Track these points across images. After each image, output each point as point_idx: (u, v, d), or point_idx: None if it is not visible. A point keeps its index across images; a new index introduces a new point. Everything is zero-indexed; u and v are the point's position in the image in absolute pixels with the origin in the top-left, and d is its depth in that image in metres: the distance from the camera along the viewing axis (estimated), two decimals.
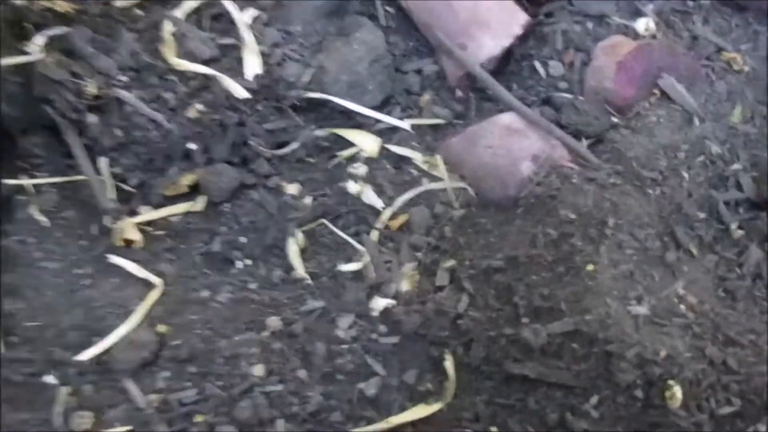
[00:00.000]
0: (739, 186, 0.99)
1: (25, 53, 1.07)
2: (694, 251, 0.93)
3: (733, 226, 0.96)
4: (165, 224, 1.12)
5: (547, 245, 0.91)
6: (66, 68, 1.07)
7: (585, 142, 1.03)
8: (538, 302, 0.87)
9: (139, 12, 1.15)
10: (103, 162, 1.12)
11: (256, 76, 1.12)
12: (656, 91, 1.05)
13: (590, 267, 0.86)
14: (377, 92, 1.15)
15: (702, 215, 0.96)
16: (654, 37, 1.13)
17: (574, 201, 0.93)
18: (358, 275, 1.04)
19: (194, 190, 1.12)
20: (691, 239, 0.93)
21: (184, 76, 1.11)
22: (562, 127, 1.05)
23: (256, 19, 1.16)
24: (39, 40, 1.08)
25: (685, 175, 0.97)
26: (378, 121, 1.15)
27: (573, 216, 0.91)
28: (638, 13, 1.16)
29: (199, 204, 1.11)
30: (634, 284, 0.86)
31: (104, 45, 1.14)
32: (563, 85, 1.10)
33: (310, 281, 1.06)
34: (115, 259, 1.07)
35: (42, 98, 1.10)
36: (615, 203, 0.92)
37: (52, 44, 1.10)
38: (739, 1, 1.17)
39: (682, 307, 0.86)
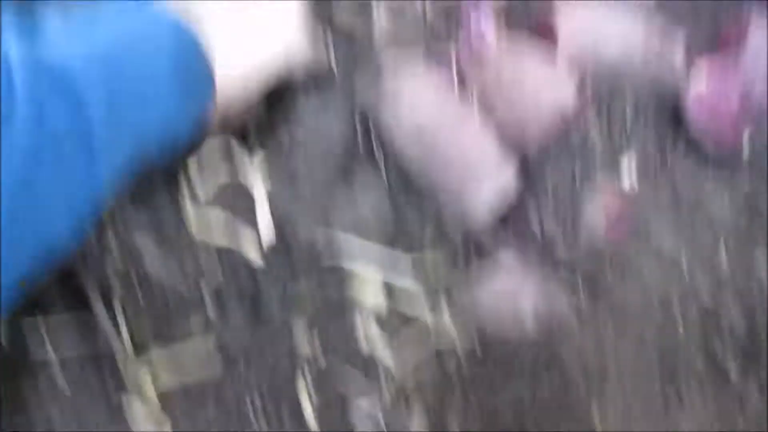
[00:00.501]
0: (735, 333, 1.04)
1: None
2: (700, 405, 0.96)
3: (732, 374, 1.00)
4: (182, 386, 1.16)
5: (553, 402, 0.95)
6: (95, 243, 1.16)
7: (582, 296, 1.10)
8: None
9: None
10: (124, 328, 1.18)
11: (268, 241, 1.20)
12: (645, 239, 1.12)
13: (594, 409, 0.90)
14: (387, 252, 1.23)
15: (701, 362, 1.00)
16: (639, 184, 1.23)
17: (575, 357, 0.99)
18: None
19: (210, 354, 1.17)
20: (697, 391, 0.97)
21: (204, 246, 1.20)
22: (560, 282, 1.12)
23: (271, 188, 1.27)
24: None
25: (681, 322, 1.02)
26: (388, 280, 1.22)
27: (575, 372, 0.96)
28: (621, 163, 1.26)
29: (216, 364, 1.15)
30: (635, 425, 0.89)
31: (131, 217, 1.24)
32: (559, 241, 1.18)
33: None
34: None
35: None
36: (616, 358, 0.97)
37: None
38: None
39: None
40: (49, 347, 1.15)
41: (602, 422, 0.91)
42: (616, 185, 1.22)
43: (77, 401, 1.11)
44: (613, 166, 1.25)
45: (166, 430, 1.11)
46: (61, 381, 1.12)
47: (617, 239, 1.14)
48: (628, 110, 1.33)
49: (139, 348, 1.17)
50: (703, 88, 1.21)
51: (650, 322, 1.02)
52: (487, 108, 1.28)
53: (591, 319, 1.03)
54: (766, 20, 1.34)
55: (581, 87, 1.31)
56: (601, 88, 1.34)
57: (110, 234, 1.18)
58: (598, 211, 1.16)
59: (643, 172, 1.22)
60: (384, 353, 1.13)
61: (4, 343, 1.16)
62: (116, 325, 1.17)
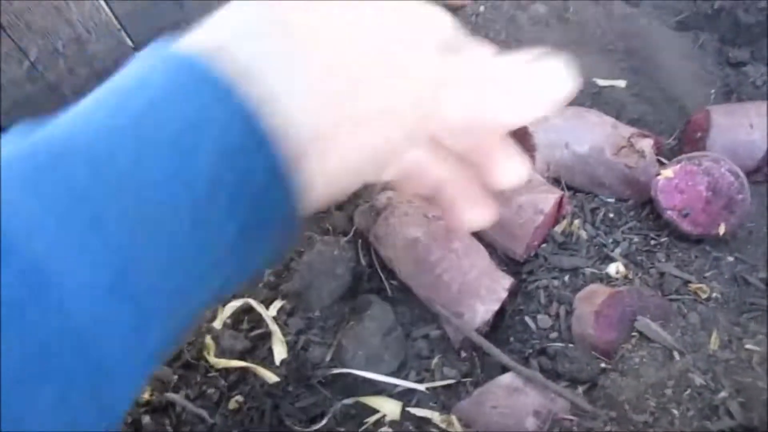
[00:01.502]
0: (729, 414, 1.07)
1: None
2: None
3: None
4: None
5: None
6: None
7: (580, 390, 1.15)
8: None
9: None
10: None
11: (283, 361, 1.28)
12: (635, 333, 1.18)
13: None
14: (392, 360, 1.30)
15: None
16: (626, 277, 1.29)
17: None
18: None
19: None
20: None
21: (223, 371, 1.28)
22: (558, 375, 1.17)
23: (280, 311, 1.36)
24: None
25: (675, 411, 1.06)
26: (396, 385, 1.28)
27: None
28: (608, 259, 1.33)
29: None
30: None
31: None
32: (554, 335, 1.24)
33: None
34: None
35: None
36: None
37: None
38: (692, 235, 1.34)
39: None
40: None
41: None
42: (604, 277, 1.28)
43: None
44: (600, 258, 1.31)
45: None
46: None
47: (608, 332, 1.19)
48: (609, 200, 1.41)
49: None
50: (671, 174, 1.29)
51: (646, 414, 1.06)
52: None
53: (590, 419, 1.08)
54: (728, 105, 1.44)
55: (560, 183, 1.40)
56: (580, 181, 1.44)
57: None
58: (588, 306, 1.22)
59: (628, 260, 1.28)
60: None
61: None
62: None
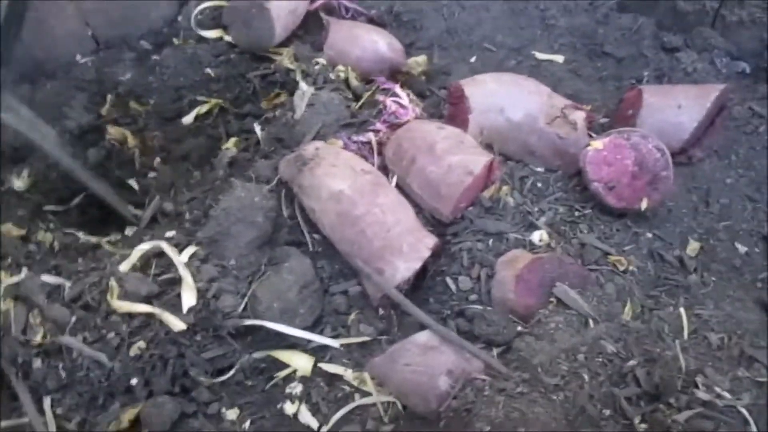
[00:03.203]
0: (636, 381, 1.09)
1: None
2: None
3: (637, 420, 1.04)
4: None
5: None
6: (20, 318, 1.16)
7: (495, 352, 1.14)
8: None
9: (85, 267, 1.27)
10: (46, 403, 1.16)
11: (192, 309, 1.21)
12: (553, 299, 1.18)
13: None
14: (308, 314, 1.25)
15: (607, 412, 1.04)
16: (549, 246, 1.29)
17: (487, 413, 1.01)
18: None
19: (136, 425, 1.17)
20: None
21: (126, 316, 1.20)
22: (475, 337, 1.16)
23: (193, 257, 1.28)
24: None
25: (586, 376, 1.06)
26: (310, 341, 1.24)
27: (487, 428, 0.99)
28: (532, 226, 1.33)
29: None
30: None
31: (53, 290, 1.24)
32: (473, 297, 1.22)
33: None
34: None
35: None
36: (524, 412, 1.00)
37: (6, 293, 1.20)
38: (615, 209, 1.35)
39: None
40: None
41: None
42: (527, 244, 1.27)
43: None
44: (525, 225, 1.30)
45: None
46: None
47: (527, 296, 1.18)
48: (538, 169, 1.40)
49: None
50: (600, 146, 1.29)
51: (557, 377, 1.06)
52: (402, 177, 1.33)
53: (503, 381, 1.06)
54: (659, 86, 1.45)
55: (492, 148, 1.38)
56: (512, 149, 1.42)
57: (32, 306, 1.18)
58: (509, 270, 1.20)
59: (552, 229, 1.28)
60: (306, 413, 1.14)
61: None
62: (39, 401, 1.15)
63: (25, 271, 1.28)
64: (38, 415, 1.15)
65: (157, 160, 1.66)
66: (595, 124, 1.54)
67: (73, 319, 1.20)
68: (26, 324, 1.19)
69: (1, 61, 1.29)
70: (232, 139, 1.62)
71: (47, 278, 1.25)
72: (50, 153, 1.37)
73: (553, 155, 1.42)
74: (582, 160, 1.34)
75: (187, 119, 1.69)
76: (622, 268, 1.28)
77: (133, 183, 1.60)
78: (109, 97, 1.72)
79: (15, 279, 1.24)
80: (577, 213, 1.37)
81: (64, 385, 1.17)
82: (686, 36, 1.76)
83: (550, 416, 1.01)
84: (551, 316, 1.16)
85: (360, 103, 1.55)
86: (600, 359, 1.11)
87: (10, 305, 1.20)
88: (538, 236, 1.30)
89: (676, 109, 1.44)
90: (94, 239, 1.41)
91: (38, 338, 1.17)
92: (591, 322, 1.16)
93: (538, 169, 1.44)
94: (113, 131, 1.64)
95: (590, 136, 1.42)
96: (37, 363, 1.17)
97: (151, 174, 1.65)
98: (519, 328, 1.16)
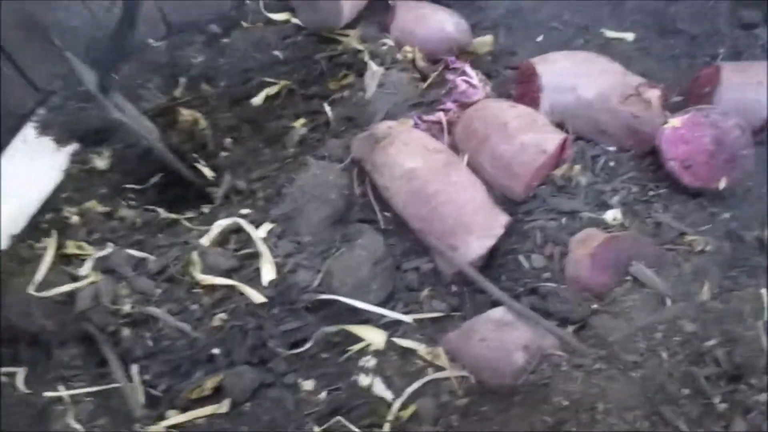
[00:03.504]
0: (716, 361, 1.08)
1: (75, 278, 1.21)
2: (683, 428, 1.00)
3: (716, 400, 1.03)
4: (191, 426, 1.20)
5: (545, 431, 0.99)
6: (108, 289, 1.21)
7: (570, 329, 1.14)
8: None
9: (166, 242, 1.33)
10: (134, 370, 1.22)
11: (270, 283, 1.25)
12: (628, 278, 1.17)
13: None
14: (381, 290, 1.28)
15: (686, 391, 1.04)
16: (622, 225, 1.28)
17: (565, 388, 1.02)
18: None
19: (218, 392, 1.22)
20: (678, 416, 1.00)
21: (208, 288, 1.25)
22: (549, 315, 1.16)
23: (270, 232, 1.32)
24: (87, 266, 1.23)
25: (664, 354, 1.06)
26: (383, 316, 1.27)
27: (566, 402, 1.00)
28: (605, 206, 1.32)
29: (223, 406, 1.19)
30: None
31: (138, 263, 1.30)
32: (546, 275, 1.23)
33: None
34: None
35: (82, 315, 1.23)
36: (602, 388, 1.00)
37: (96, 266, 1.26)
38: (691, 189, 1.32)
39: None
40: (62, 386, 1.20)
41: None
42: (601, 223, 1.26)
43: None
44: (597, 204, 1.30)
45: None
46: (72, 418, 1.16)
47: (602, 275, 1.18)
48: (610, 148, 1.39)
49: (150, 401, 1.21)
50: (678, 124, 1.27)
51: (635, 355, 1.06)
52: (474, 155, 1.34)
53: (579, 357, 1.07)
54: (737, 63, 1.41)
55: (563, 126, 1.37)
56: (583, 127, 1.41)
57: (119, 278, 1.23)
58: (583, 249, 1.20)
59: (626, 208, 1.27)
60: (380, 385, 1.17)
61: (21, 383, 1.21)
62: (127, 368, 1.21)
63: (111, 245, 1.34)
64: (127, 381, 1.21)
65: (228, 140, 1.70)
66: (670, 102, 1.51)
67: (158, 291, 1.25)
68: (115, 295, 1.25)
69: (112, 64, 1.36)
70: (301, 120, 1.65)
71: (132, 252, 1.31)
72: (153, 145, 1.43)
73: (626, 134, 1.40)
74: (658, 138, 1.32)
75: (257, 100, 1.72)
76: (698, 248, 1.26)
77: (204, 164, 1.65)
78: (181, 79, 1.77)
79: (103, 253, 1.30)
80: (651, 192, 1.35)
81: (151, 353, 1.22)
82: (765, 11, 1.70)
83: (629, 393, 1.01)
84: (627, 294, 1.16)
85: (428, 83, 1.56)
86: (678, 338, 1.10)
87: (100, 277, 1.26)
88: (612, 215, 1.29)
89: (755, 86, 1.40)
90: (173, 216, 1.46)
91: (126, 308, 1.22)
92: (668, 301, 1.15)
93: (610, 149, 1.42)
94: (185, 113, 1.68)
95: (666, 115, 1.39)
96: (126, 332, 1.23)
97: (223, 153, 1.69)
98: (594, 306, 1.16)
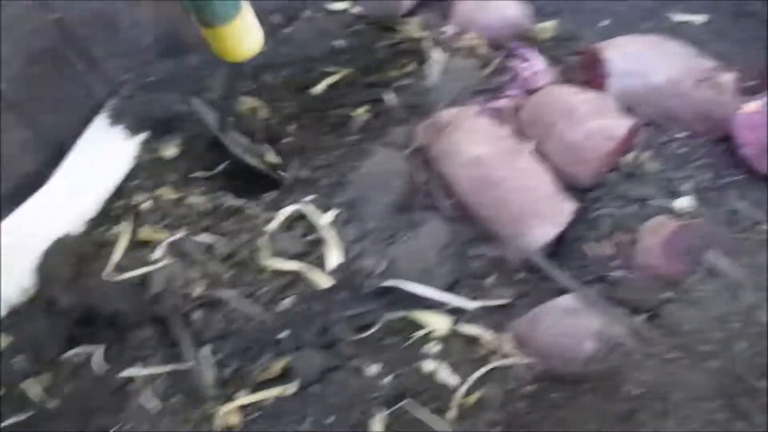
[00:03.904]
0: None
1: (148, 262, 1.26)
2: (760, 420, 0.97)
3: None
4: (260, 407, 1.23)
5: (617, 421, 0.97)
6: (180, 273, 1.25)
7: (642, 318, 1.12)
8: None
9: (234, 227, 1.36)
10: (205, 351, 1.26)
11: (336, 268, 1.27)
12: (702, 266, 1.14)
13: None
14: (445, 277, 1.28)
15: (763, 384, 1.01)
16: (694, 214, 1.25)
17: (636, 377, 1.00)
18: None
19: (285, 374, 1.24)
20: (756, 409, 0.97)
21: (276, 272, 1.27)
22: (618, 303, 1.15)
23: (335, 219, 1.34)
24: (160, 251, 1.27)
25: (741, 345, 1.03)
26: (447, 303, 1.27)
27: (637, 391, 0.98)
28: (676, 193, 1.28)
29: (290, 387, 1.22)
30: None
31: (208, 248, 1.33)
32: (615, 263, 1.21)
33: None
34: None
35: (155, 298, 1.27)
36: (676, 377, 0.98)
37: (168, 250, 1.30)
38: None
39: None
40: (137, 365, 1.24)
41: None
42: (672, 210, 1.24)
43: (163, 417, 1.20)
44: (668, 192, 1.27)
45: None
46: (147, 397, 1.21)
47: (674, 263, 1.15)
48: (680, 135, 1.35)
49: (221, 381, 1.24)
50: (753, 108, 1.23)
51: (711, 345, 1.03)
52: (540, 142, 1.33)
53: (652, 346, 1.05)
54: None
55: (632, 113, 1.34)
56: (652, 113, 1.37)
57: (191, 262, 1.27)
58: (654, 237, 1.18)
59: (698, 196, 1.24)
60: (445, 371, 1.17)
61: (96, 363, 1.26)
62: (198, 349, 1.25)
63: (182, 231, 1.38)
64: (199, 361, 1.25)
65: (290, 128, 1.72)
66: (744, 87, 1.45)
67: (228, 275, 1.29)
68: (186, 279, 1.29)
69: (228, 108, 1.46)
70: (362, 108, 1.65)
71: (203, 237, 1.35)
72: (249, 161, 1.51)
73: (698, 120, 1.36)
74: (732, 123, 1.28)
75: (318, 89, 1.74)
76: None
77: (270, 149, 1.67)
78: (244, 69, 1.80)
79: (175, 238, 1.34)
80: (725, 180, 1.31)
81: (221, 335, 1.26)
82: None
83: (704, 383, 0.99)
84: (701, 283, 1.13)
85: (491, 70, 1.54)
86: (755, 329, 1.07)
87: (172, 261, 1.30)
88: (683, 203, 1.25)
89: None
90: (240, 202, 1.49)
91: (198, 292, 1.26)
92: (745, 291, 1.11)
93: (681, 135, 1.38)
94: (247, 101, 1.71)
95: (740, 99, 1.34)
96: (197, 314, 1.27)
97: (285, 140, 1.70)
98: (666, 295, 1.13)
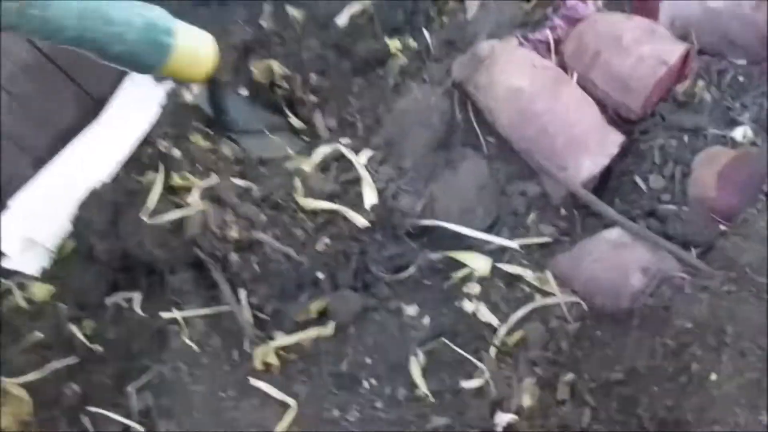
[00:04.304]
0: None
1: (182, 206, 1.25)
2: None
3: None
4: (298, 348, 1.22)
5: (667, 356, 0.92)
6: (216, 216, 1.24)
7: (694, 252, 1.06)
8: (663, 414, 0.88)
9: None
10: (243, 294, 1.25)
11: (373, 207, 1.23)
12: (762, 197, 1.06)
13: (713, 377, 0.87)
14: (485, 215, 1.24)
15: None
16: (753, 144, 1.16)
17: (689, 310, 0.94)
18: (479, 392, 1.08)
19: (323, 315, 1.23)
20: None
21: (311, 213, 1.25)
22: (669, 238, 1.08)
23: (371, 159, 1.30)
24: (195, 194, 1.26)
25: None
26: (488, 242, 1.23)
27: (690, 325, 0.93)
28: (734, 123, 1.20)
29: (328, 328, 1.21)
30: (762, 393, 0.85)
31: (243, 192, 1.32)
32: (666, 197, 1.14)
33: (432, 399, 1.11)
34: (255, 383, 1.17)
35: (191, 241, 1.26)
36: (732, 311, 0.92)
37: (204, 193, 1.28)
38: None
39: None
40: (176, 309, 1.25)
41: (722, 383, 0.87)
42: (729, 141, 1.16)
43: (203, 358, 1.20)
44: (725, 121, 1.19)
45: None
46: (186, 338, 1.21)
47: (730, 196, 1.08)
48: (739, 61, 1.26)
49: (259, 323, 1.24)
50: None
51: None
52: (586, 73, 1.25)
53: (705, 279, 0.99)
54: None
55: (686, 39, 1.25)
56: (708, 40, 1.28)
57: (225, 206, 1.25)
58: (709, 168, 1.11)
59: (757, 125, 1.15)
60: (485, 311, 1.14)
61: (138, 307, 1.27)
62: (236, 291, 1.24)
63: (215, 176, 1.37)
64: (237, 303, 1.24)
65: (314, 75, 1.61)
66: None
67: (263, 217, 1.27)
68: (222, 222, 1.27)
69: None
70: (395, 41, 1.55)
71: (237, 181, 1.33)
72: None
73: (759, 44, 1.26)
74: None
75: (342, 20, 1.64)
76: None
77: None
78: (265, 6, 1.72)
79: (209, 182, 1.33)
80: None
81: (258, 277, 1.24)
82: None
83: (763, 317, 0.92)
84: (760, 215, 1.05)
85: (534, 2, 1.46)
86: None
87: (207, 205, 1.29)
88: (742, 132, 1.17)
89: None
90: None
91: (233, 234, 1.25)
92: None
93: (740, 62, 1.29)
94: (257, 68, 1.59)
95: None
96: (234, 257, 1.25)
97: (311, 98, 1.60)
98: (722, 228, 1.07)
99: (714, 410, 0.85)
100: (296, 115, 1.54)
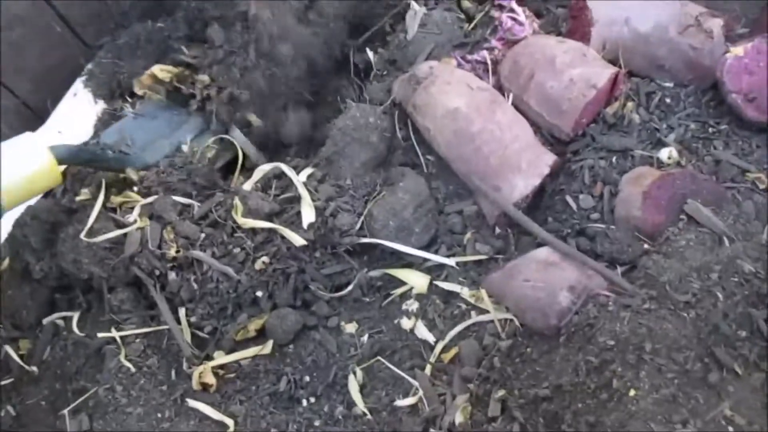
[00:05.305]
0: None
1: (123, 225, 1.24)
2: (739, 371, 0.94)
3: None
4: (236, 367, 1.22)
5: (590, 372, 0.95)
6: (153, 235, 1.23)
7: (619, 270, 1.09)
8: (585, 429, 0.91)
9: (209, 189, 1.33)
10: (181, 313, 1.25)
11: (311, 225, 1.24)
12: (683, 217, 1.11)
13: (632, 392, 0.90)
14: (423, 234, 1.26)
15: (743, 333, 0.98)
16: (678, 164, 1.21)
17: (611, 328, 0.98)
18: (414, 409, 1.10)
19: (261, 334, 1.23)
20: (734, 359, 0.95)
21: (250, 232, 1.25)
22: (597, 256, 1.12)
23: (311, 177, 1.31)
24: (134, 213, 1.25)
25: (720, 295, 1.00)
26: (426, 259, 1.25)
27: (612, 343, 0.96)
28: (660, 143, 1.25)
29: (267, 347, 1.21)
30: (678, 408, 0.88)
31: (183, 209, 1.31)
32: (595, 216, 1.17)
33: (369, 416, 1.13)
34: (193, 403, 1.17)
35: (130, 259, 1.25)
36: (651, 328, 0.96)
37: (142, 212, 1.28)
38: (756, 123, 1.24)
39: (731, 429, 0.87)
40: (114, 328, 1.23)
41: (639, 398, 0.91)
42: (655, 161, 1.20)
43: (140, 378, 1.19)
44: (652, 142, 1.23)
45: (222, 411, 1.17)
46: (123, 359, 1.20)
47: (655, 215, 1.12)
48: (666, 85, 1.31)
49: (197, 342, 1.23)
50: (740, 53, 1.18)
51: (688, 295, 1.00)
52: (520, 94, 1.29)
53: (627, 299, 1.02)
54: None
55: (616, 62, 1.30)
56: (637, 63, 1.33)
57: (165, 223, 1.25)
58: (635, 188, 1.14)
59: (683, 146, 1.20)
60: (423, 328, 1.16)
61: (75, 326, 1.25)
62: (175, 310, 1.23)
63: (156, 193, 1.36)
64: (175, 322, 1.24)
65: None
66: (734, 34, 1.40)
67: (202, 235, 1.27)
68: (161, 240, 1.27)
69: None
70: None
71: (177, 198, 1.32)
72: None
73: (684, 68, 1.31)
74: (719, 69, 1.23)
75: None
76: (762, 186, 1.18)
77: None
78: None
79: (149, 200, 1.32)
80: (711, 129, 1.26)
81: (197, 296, 1.24)
82: None
83: (680, 333, 0.96)
84: (681, 234, 1.10)
85: (473, 23, 1.50)
86: (736, 279, 1.03)
87: (146, 223, 1.28)
88: (667, 153, 1.22)
89: None
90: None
91: (172, 252, 1.24)
92: (726, 240, 1.08)
93: (667, 84, 1.34)
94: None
95: (728, 45, 1.29)
96: (172, 276, 1.25)
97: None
98: (645, 247, 1.11)
99: (632, 425, 0.88)
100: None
